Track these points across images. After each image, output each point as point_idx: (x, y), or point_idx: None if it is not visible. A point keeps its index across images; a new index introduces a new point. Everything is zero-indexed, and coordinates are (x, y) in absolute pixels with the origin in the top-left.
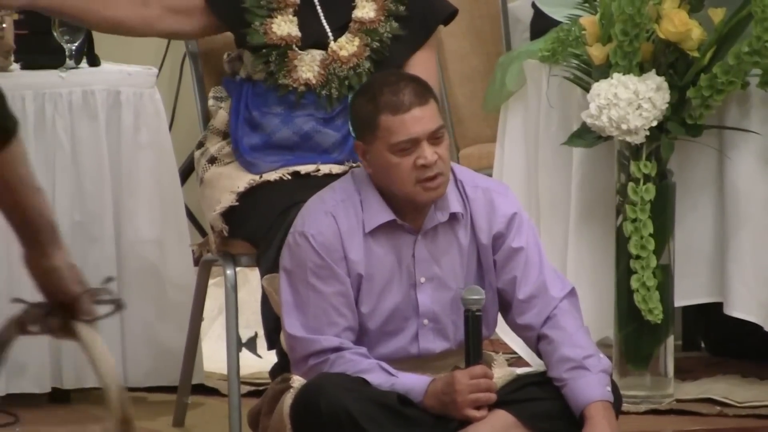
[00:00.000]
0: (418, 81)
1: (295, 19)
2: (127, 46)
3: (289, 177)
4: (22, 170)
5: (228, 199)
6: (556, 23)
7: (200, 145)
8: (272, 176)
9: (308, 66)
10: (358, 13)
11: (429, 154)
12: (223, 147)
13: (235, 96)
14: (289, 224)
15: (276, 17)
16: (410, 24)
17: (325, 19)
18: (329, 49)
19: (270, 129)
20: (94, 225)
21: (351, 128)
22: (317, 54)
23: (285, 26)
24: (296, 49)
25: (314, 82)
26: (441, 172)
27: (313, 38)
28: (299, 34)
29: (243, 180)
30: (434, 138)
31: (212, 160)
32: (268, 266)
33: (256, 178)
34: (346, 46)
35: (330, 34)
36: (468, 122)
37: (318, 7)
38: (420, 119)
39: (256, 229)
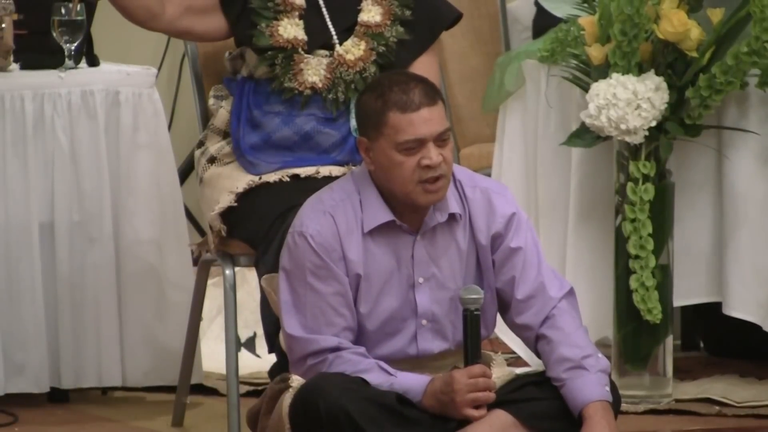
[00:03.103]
0: (426, 82)
1: (301, 22)
2: (126, 46)
3: (288, 179)
4: None
5: (227, 200)
6: (558, 21)
7: (200, 144)
8: (271, 178)
9: (314, 70)
10: (364, 17)
11: (434, 155)
12: (223, 147)
13: (236, 95)
14: (286, 228)
15: (282, 20)
16: (415, 29)
17: (331, 21)
18: (335, 53)
19: (270, 128)
20: (93, 225)
21: (355, 124)
22: (323, 58)
23: (291, 29)
24: (302, 52)
25: (320, 86)
26: (444, 174)
27: (319, 42)
28: (305, 37)
29: (242, 181)
30: (440, 140)
31: (212, 160)
32: (267, 271)
33: (255, 179)
34: (353, 50)
35: (335, 36)
36: (468, 122)
37: (324, 9)
38: (428, 120)
39: (254, 231)
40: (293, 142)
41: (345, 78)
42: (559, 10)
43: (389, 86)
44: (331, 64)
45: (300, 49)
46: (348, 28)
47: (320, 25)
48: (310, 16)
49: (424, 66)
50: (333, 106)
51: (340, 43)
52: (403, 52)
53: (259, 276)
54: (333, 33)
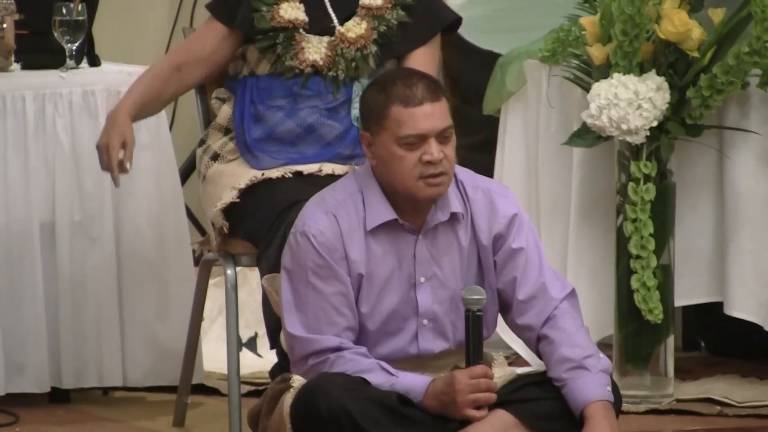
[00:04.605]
0: (431, 78)
1: (301, 5)
2: (127, 46)
3: (291, 176)
4: None
5: (229, 196)
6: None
7: (202, 142)
8: (274, 174)
9: (315, 48)
10: (365, 0)
11: (435, 151)
12: (226, 143)
13: (239, 93)
14: (289, 224)
15: (282, 4)
16: (416, 16)
17: (331, 7)
18: (337, 31)
19: (274, 121)
20: (94, 225)
21: (356, 113)
22: (324, 37)
23: (292, 11)
24: (303, 32)
25: (321, 63)
26: (445, 171)
27: (320, 26)
28: (306, 18)
29: (245, 177)
30: (442, 137)
31: (215, 157)
32: (269, 266)
33: (258, 175)
34: (354, 28)
35: (336, 22)
36: None
37: None
38: (430, 115)
39: (256, 227)
40: (296, 134)
41: (346, 56)
42: (482, 40)
43: (393, 81)
44: (332, 41)
45: (301, 29)
46: (349, 15)
47: (321, 11)
48: (311, 2)
49: (423, 58)
50: (334, 85)
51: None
52: (404, 36)
53: (261, 272)
54: (334, 17)
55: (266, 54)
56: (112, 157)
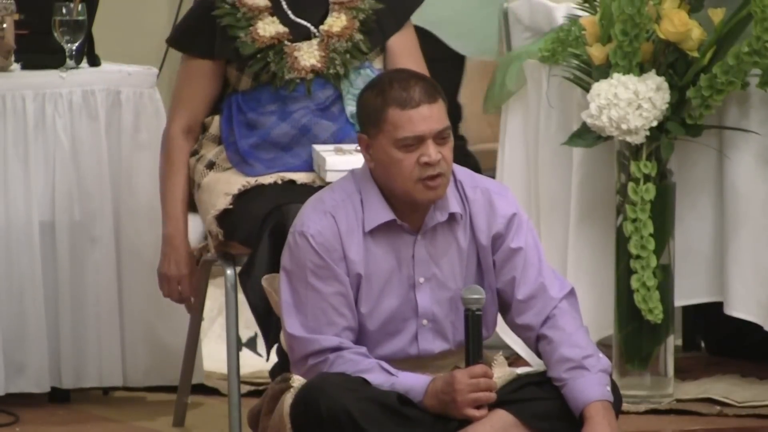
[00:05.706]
0: (427, 80)
1: (275, 19)
2: (127, 46)
3: (282, 182)
4: None
5: (223, 202)
6: None
7: (195, 152)
8: (267, 180)
9: (308, 53)
10: None
11: (433, 153)
12: (221, 152)
13: (225, 110)
14: (272, 229)
15: (257, 23)
16: (387, 2)
17: (299, 17)
18: (321, 30)
19: (268, 125)
20: (94, 225)
21: (352, 110)
22: (312, 39)
23: (270, 27)
24: (289, 43)
25: (320, 65)
26: (443, 172)
27: (300, 34)
28: (287, 29)
29: (238, 183)
30: (440, 138)
31: (210, 165)
32: (262, 270)
33: (251, 181)
34: (335, 23)
35: (312, 27)
36: (469, 122)
37: (288, 12)
38: (428, 117)
39: (247, 233)
40: (291, 137)
41: (339, 50)
42: (462, 47)
43: (389, 83)
44: (322, 41)
45: (286, 41)
46: (321, 17)
47: (292, 22)
48: (281, 15)
49: (403, 44)
50: (336, 82)
51: (318, 31)
52: (379, 24)
53: (242, 282)
54: (308, 25)
55: (261, 75)
56: (187, 290)
